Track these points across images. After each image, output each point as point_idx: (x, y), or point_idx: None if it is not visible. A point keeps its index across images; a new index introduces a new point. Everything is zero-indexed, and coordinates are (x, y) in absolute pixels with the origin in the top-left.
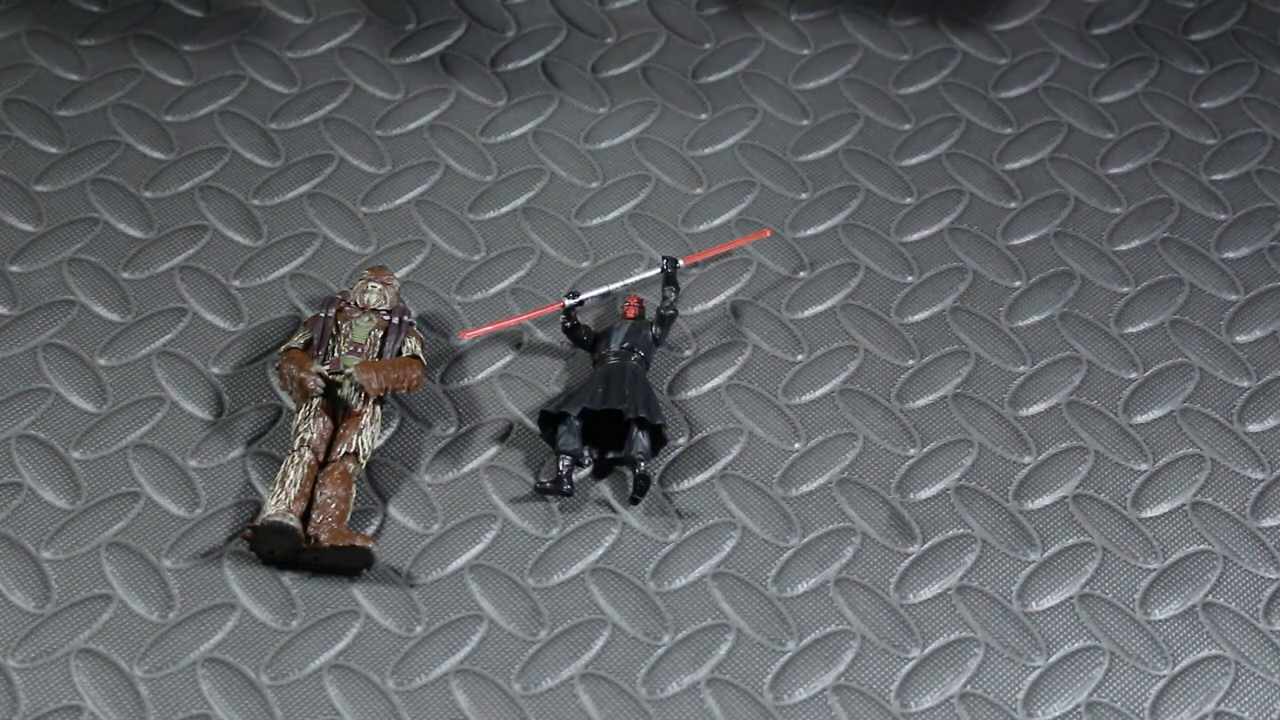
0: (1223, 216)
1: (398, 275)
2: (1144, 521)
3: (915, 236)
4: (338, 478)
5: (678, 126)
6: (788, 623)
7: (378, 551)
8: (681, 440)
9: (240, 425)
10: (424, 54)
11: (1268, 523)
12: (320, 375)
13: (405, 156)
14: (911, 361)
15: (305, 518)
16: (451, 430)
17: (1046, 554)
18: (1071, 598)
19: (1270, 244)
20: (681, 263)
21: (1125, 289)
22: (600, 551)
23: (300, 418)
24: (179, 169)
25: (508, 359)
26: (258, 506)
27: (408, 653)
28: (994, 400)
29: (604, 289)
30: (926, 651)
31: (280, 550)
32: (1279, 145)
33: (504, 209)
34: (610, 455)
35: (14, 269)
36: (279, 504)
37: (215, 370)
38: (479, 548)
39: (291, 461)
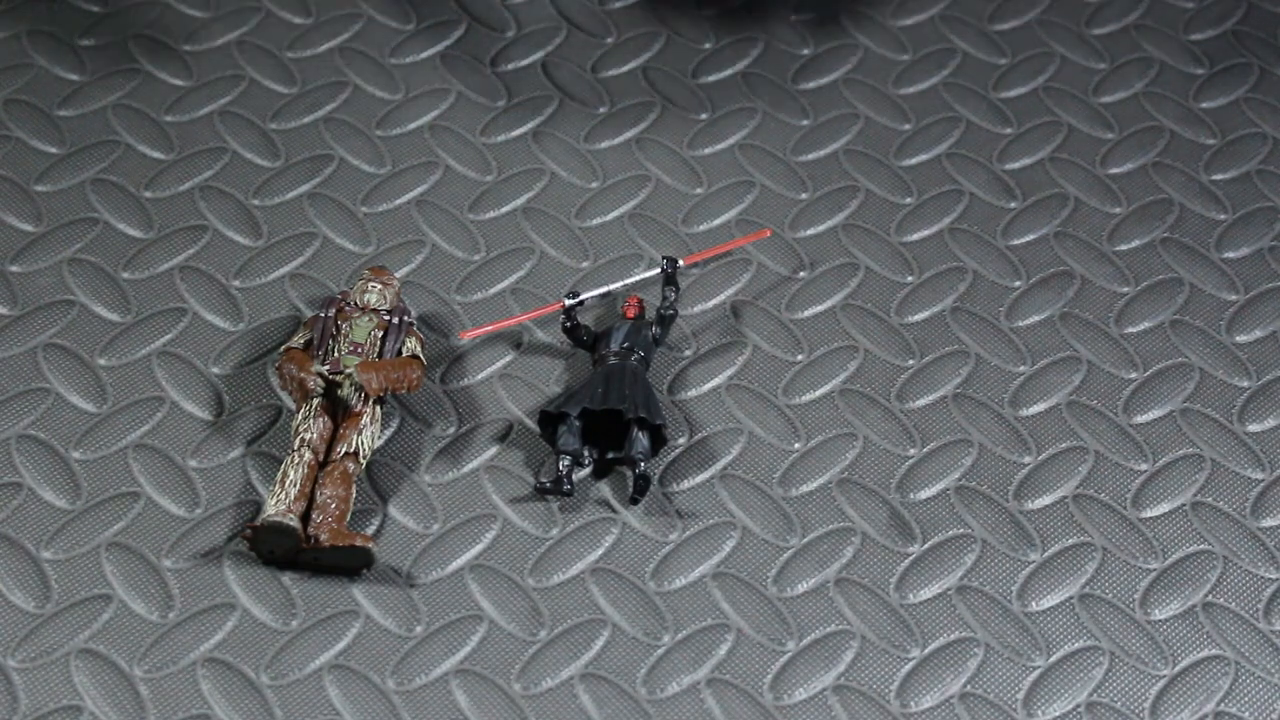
0: (1223, 216)
1: (398, 275)
2: (1144, 521)
3: (915, 236)
4: (338, 478)
5: (678, 126)
6: (788, 623)
7: (378, 551)
8: (681, 440)
9: (240, 425)
10: (424, 54)
11: (1268, 523)
12: (320, 375)
13: (405, 156)
14: (911, 361)
15: (305, 518)
16: (451, 430)
17: (1046, 554)
18: (1071, 598)
19: (1270, 244)
20: (681, 263)
21: (1125, 289)
22: (600, 551)
23: (300, 418)
24: (179, 169)
25: (508, 359)
26: (258, 506)
27: (408, 653)
28: (994, 400)
29: (604, 289)
30: (926, 651)
31: (280, 550)
32: (1279, 145)
33: (504, 209)
34: (610, 455)
35: (14, 269)
36: (279, 504)
37: (215, 370)
38: (479, 548)
39: (291, 461)
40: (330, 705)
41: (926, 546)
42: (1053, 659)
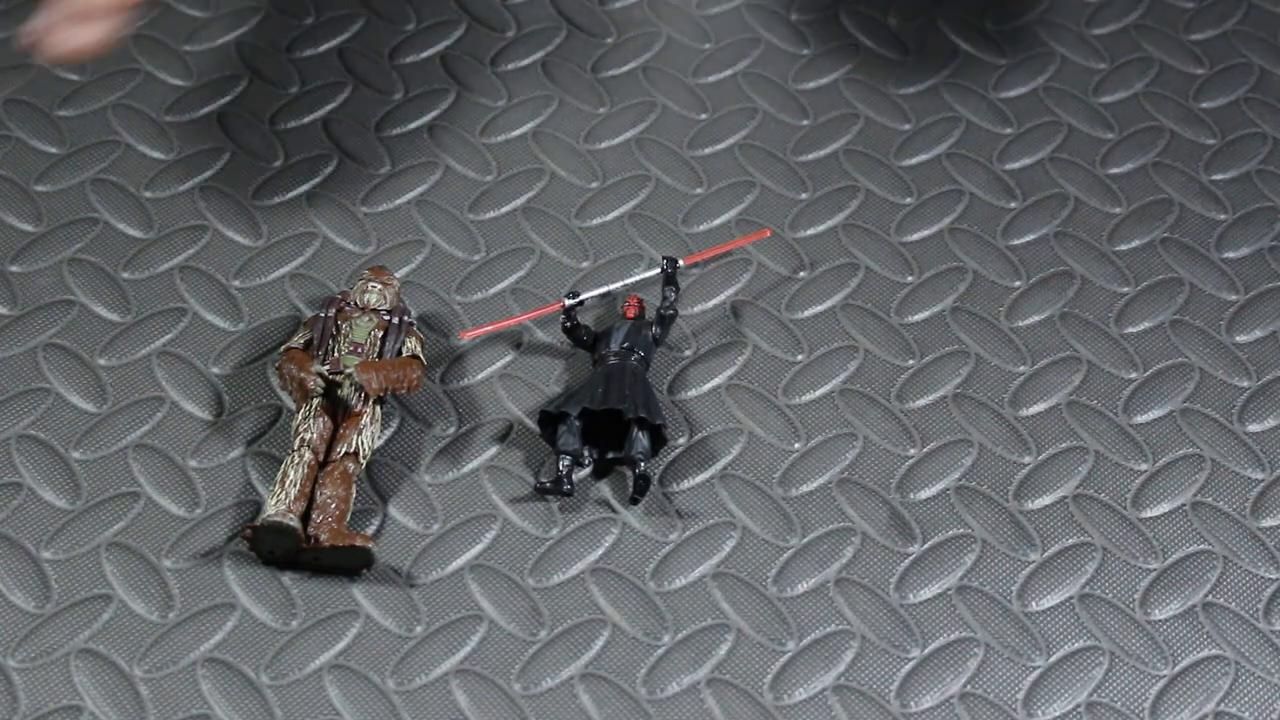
0: (1223, 216)
1: (398, 275)
2: (1144, 521)
3: (915, 236)
4: (338, 478)
5: (678, 126)
6: (788, 623)
7: (378, 551)
8: (681, 440)
9: (240, 425)
10: (424, 54)
11: (1268, 523)
12: (320, 375)
13: (405, 156)
14: (911, 361)
15: (305, 518)
16: (451, 430)
17: (1046, 554)
18: (1071, 598)
19: (1270, 244)
20: (681, 263)
21: (1125, 289)
22: (600, 551)
23: (300, 418)
24: (179, 169)
25: (508, 359)
26: (258, 506)
27: (408, 653)
28: (994, 400)
29: (604, 289)
30: (926, 651)
31: (280, 550)
32: (1279, 145)
33: (504, 209)
34: (610, 455)
35: (14, 269)
36: (279, 504)
37: (215, 370)
38: (479, 548)
39: (291, 461)
40: (330, 705)
41: (926, 546)
42: (1053, 659)
